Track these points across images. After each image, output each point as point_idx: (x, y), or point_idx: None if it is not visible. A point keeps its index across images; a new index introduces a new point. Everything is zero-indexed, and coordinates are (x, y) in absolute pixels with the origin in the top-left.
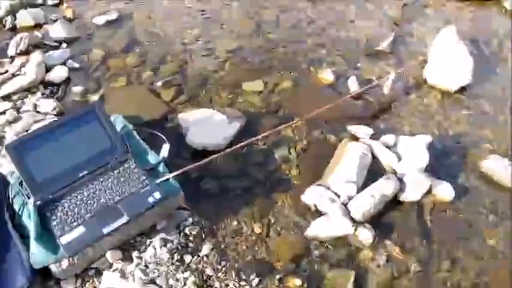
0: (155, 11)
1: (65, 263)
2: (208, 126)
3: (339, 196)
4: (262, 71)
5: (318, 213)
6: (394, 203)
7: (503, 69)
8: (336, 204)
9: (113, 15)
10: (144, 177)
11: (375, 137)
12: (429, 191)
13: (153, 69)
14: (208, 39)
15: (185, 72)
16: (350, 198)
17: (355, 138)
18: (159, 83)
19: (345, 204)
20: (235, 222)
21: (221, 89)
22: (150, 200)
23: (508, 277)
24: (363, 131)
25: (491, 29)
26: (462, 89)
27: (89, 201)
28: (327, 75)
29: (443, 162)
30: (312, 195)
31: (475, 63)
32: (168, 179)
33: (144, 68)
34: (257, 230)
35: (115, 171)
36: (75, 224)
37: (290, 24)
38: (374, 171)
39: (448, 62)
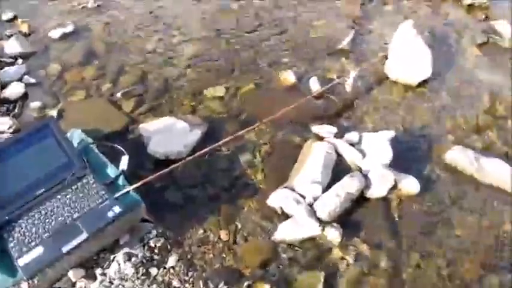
0: (113, 21)
1: (24, 286)
2: (169, 135)
3: (304, 197)
4: (224, 76)
5: (285, 216)
6: (361, 200)
7: (461, 60)
8: (301, 206)
9: (69, 28)
10: (103, 192)
11: (339, 135)
12: (395, 186)
13: (113, 81)
14: (168, 47)
15: (146, 82)
16: (315, 199)
17: (319, 138)
18: (118, 94)
19: (310, 205)
20: (201, 231)
21: (183, 97)
22: (110, 214)
23: (477, 267)
24: (326, 130)
25: (449, 22)
26: (423, 83)
27: (47, 220)
28: (288, 77)
29: (407, 156)
30: (277, 198)
31: (435, 56)
32: (128, 192)
33: (103, 79)
34: (224, 237)
35: (73, 188)
36: (33, 244)
37: (251, 27)
38: (339, 170)
39: (407, 57)
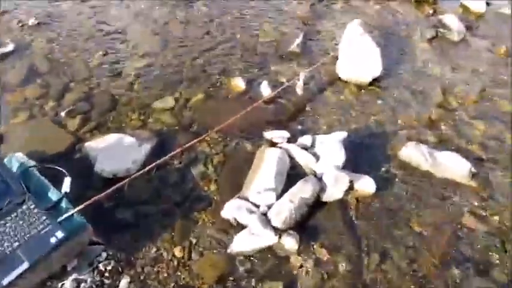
0: (55, 38)
1: None
2: (117, 151)
3: (258, 206)
4: (173, 87)
5: (240, 227)
6: (317, 204)
7: (412, 56)
8: (255, 215)
9: (9, 47)
10: (44, 217)
11: (292, 139)
12: (351, 187)
13: (57, 99)
14: (114, 61)
15: (92, 98)
16: (269, 207)
17: (272, 144)
18: (63, 113)
19: (265, 214)
20: (154, 250)
21: (131, 111)
22: (53, 240)
23: (437, 262)
24: (279, 135)
25: (398, 18)
26: (375, 81)
27: None
28: (238, 83)
29: (362, 156)
30: (231, 210)
31: (385, 54)
32: (72, 215)
33: (47, 99)
34: (178, 254)
35: (12, 215)
36: None
37: (198, 35)
38: (294, 175)
39: (357, 56)
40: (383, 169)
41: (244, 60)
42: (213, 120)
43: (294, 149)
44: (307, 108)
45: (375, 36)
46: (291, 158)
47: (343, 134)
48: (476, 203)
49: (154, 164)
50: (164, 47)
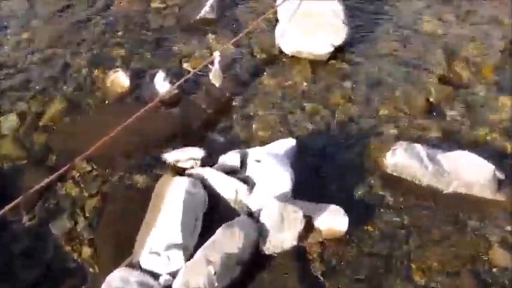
0: None
1: None
2: None
3: (157, 276)
4: (16, 97)
5: None
6: (257, 259)
7: (392, 8)
8: None
9: None
10: None
11: (208, 160)
12: (309, 227)
13: None
14: None
15: None
16: (175, 275)
17: (177, 170)
18: None
19: (168, 287)
20: None
21: None
22: None
23: None
24: (187, 156)
25: None
26: (338, 52)
27: None
28: (119, 79)
29: (324, 173)
30: (114, 287)
31: (351, 8)
32: None
33: None
34: None
35: None
36: None
37: (50, 11)
38: (215, 217)
39: (307, 16)
40: (360, 190)
41: (128, 41)
42: (81, 142)
43: (212, 175)
44: (232, 107)
45: None
46: (209, 189)
47: (291, 143)
48: (508, 228)
49: None
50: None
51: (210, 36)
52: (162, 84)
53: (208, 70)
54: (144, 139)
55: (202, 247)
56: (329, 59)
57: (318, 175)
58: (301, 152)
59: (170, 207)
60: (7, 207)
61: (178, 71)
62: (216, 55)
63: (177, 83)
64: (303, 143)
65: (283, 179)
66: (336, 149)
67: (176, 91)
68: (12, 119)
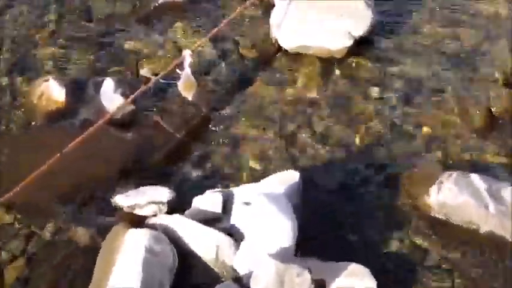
0: None
1: None
2: None
3: None
4: None
5: None
6: None
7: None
8: None
9: None
10: None
11: (178, 203)
12: None
13: None
14: None
15: None
16: None
17: (132, 219)
18: None
19: None
20: None
21: None
22: None
23: None
24: (147, 198)
25: None
26: (358, 46)
27: None
28: (51, 91)
29: (340, 215)
30: None
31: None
32: None
33: None
34: None
35: None
36: None
37: None
38: (189, 281)
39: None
40: (392, 242)
41: (62, 36)
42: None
43: (183, 225)
44: (211, 127)
45: None
46: (179, 245)
47: (293, 177)
48: None
49: None
50: None
51: (178, 27)
52: (111, 97)
53: (176, 76)
54: (88, 175)
55: None
56: (347, 55)
57: (332, 221)
58: (308, 189)
59: (123, 271)
60: None
61: (133, 78)
62: (187, 54)
63: (133, 96)
64: (310, 177)
65: (283, 229)
66: (357, 184)
67: (131, 107)
68: None
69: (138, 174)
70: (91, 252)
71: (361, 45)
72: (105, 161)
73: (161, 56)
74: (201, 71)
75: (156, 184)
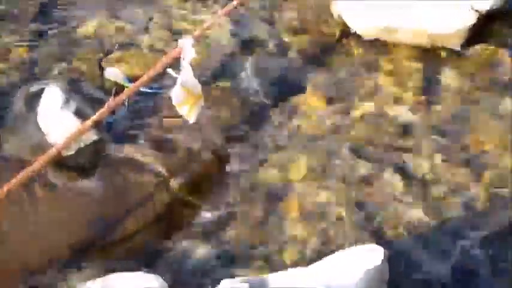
0: None
1: None
2: None
3: None
4: None
5: None
6: None
7: None
8: None
9: None
10: None
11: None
12: None
13: None
14: None
15: None
16: None
17: None
18: None
19: None
20: None
21: None
22: None
23: None
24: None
25: None
26: (484, 28)
27: None
28: None
29: None
30: None
31: None
32: None
33: None
34: None
35: None
36: None
37: None
38: None
39: None
40: None
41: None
42: None
43: None
44: (231, 169)
45: None
46: None
47: (374, 254)
48: None
49: None
50: None
51: None
52: (57, 118)
53: (168, 82)
54: (22, 257)
55: None
56: (468, 43)
57: None
58: (398, 272)
59: None
60: None
61: (95, 84)
62: (187, 44)
63: (95, 116)
64: (400, 253)
65: None
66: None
67: (93, 136)
68: None
69: (108, 249)
70: None
71: (488, 26)
72: (50, 230)
73: (142, 47)
74: (212, 72)
75: (138, 267)
